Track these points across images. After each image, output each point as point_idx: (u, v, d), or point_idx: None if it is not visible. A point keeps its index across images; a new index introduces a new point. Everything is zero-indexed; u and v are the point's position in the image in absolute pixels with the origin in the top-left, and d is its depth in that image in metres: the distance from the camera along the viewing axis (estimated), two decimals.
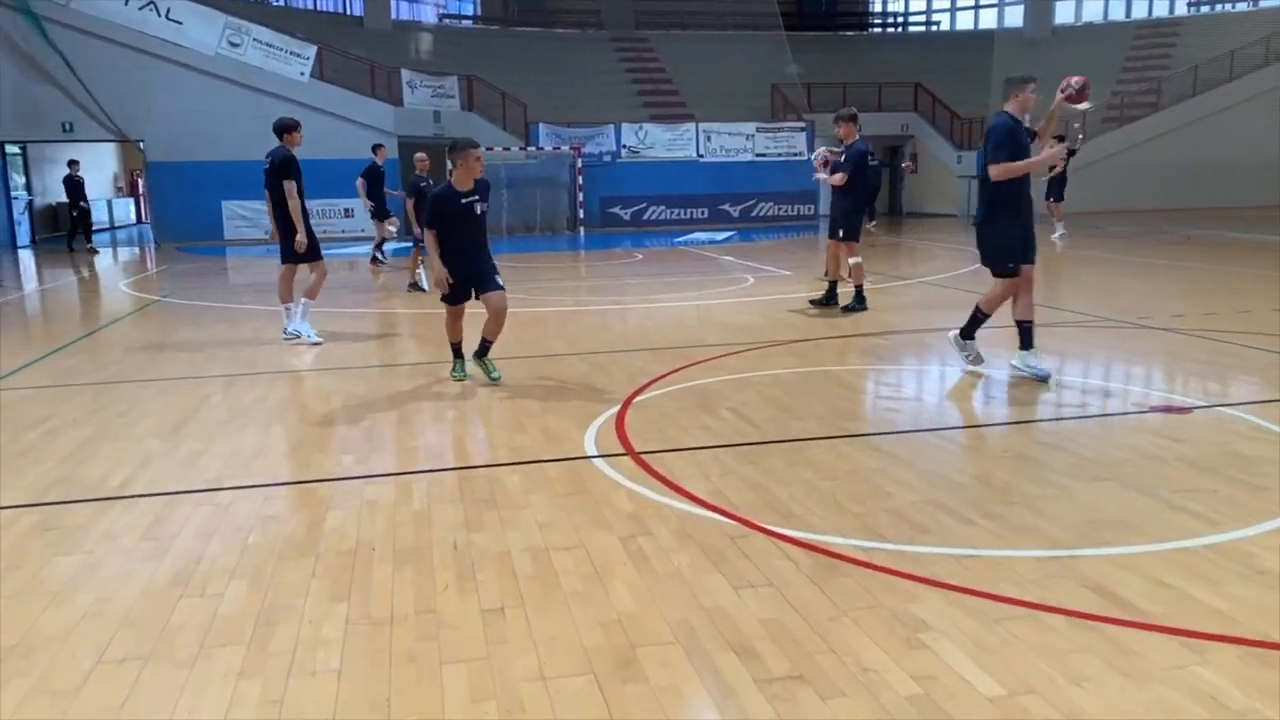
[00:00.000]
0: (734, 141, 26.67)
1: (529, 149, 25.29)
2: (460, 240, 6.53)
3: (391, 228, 15.89)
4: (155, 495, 4.57)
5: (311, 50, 23.77)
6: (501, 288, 6.70)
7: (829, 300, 10.11)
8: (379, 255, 15.99)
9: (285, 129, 8.51)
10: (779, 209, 27.25)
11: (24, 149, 25.91)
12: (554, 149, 25.32)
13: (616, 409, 5.99)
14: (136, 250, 23.88)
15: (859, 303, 9.91)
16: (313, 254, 8.67)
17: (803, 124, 27.50)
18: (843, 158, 9.62)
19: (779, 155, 27.05)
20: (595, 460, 4.94)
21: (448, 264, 6.51)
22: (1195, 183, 28.08)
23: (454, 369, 6.98)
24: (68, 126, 23.13)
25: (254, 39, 23.49)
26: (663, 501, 4.29)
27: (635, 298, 11.65)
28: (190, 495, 4.55)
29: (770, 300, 11.10)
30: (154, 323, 10.46)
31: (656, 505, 4.25)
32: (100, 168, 33.98)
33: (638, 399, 6.27)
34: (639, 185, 25.86)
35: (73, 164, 21.77)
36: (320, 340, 8.60)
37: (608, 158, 25.98)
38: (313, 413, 6.26)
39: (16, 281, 15.65)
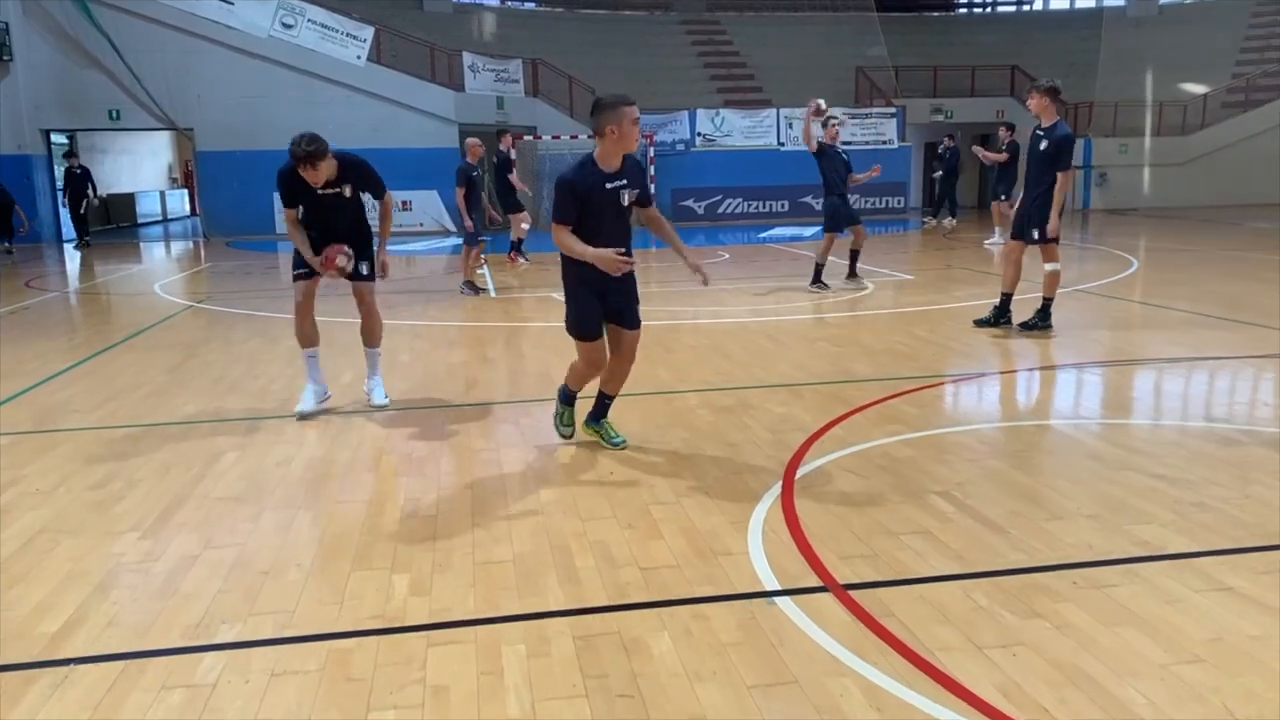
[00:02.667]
0: (818, 129, 24.59)
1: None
2: (605, 240, 4.58)
3: (525, 225, 14.09)
4: (104, 659, 2.92)
5: (369, 32, 22.31)
6: (640, 324, 4.88)
7: (1000, 317, 8.20)
8: (519, 253, 14.36)
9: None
10: (867, 202, 25.14)
11: (72, 138, 24.88)
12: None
13: (777, 490, 4.24)
14: (184, 245, 22.68)
15: (1043, 319, 7.99)
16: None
17: (893, 110, 25.40)
18: (1044, 142, 7.66)
19: (867, 143, 24.97)
20: (780, 600, 3.19)
21: (586, 282, 4.64)
22: None
23: (560, 417, 5.12)
24: (115, 114, 21.97)
25: (309, 20, 22.10)
26: (924, 706, 2.53)
27: (739, 308, 9.86)
28: (156, 660, 2.89)
29: (907, 313, 9.25)
30: (177, 338, 8.93)
31: (918, 714, 2.49)
32: (155, 157, 33.09)
33: (801, 470, 4.50)
34: (714, 176, 24.02)
35: (70, 156, 20.48)
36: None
37: (681, 146, 24.18)
38: (350, 492, 4.59)
39: (44, 282, 14.35)
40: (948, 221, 21.32)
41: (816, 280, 10.99)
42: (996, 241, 15.78)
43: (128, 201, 28.75)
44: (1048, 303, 8.01)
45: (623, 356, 4.86)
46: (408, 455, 4.97)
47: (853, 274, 11.53)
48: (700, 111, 24.44)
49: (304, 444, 5.23)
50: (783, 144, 24.61)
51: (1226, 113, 26.04)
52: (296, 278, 6.00)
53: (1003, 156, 15.27)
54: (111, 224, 27.44)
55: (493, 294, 11.35)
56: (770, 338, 8.26)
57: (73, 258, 18.17)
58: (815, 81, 28.33)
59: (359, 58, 22.16)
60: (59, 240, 20.28)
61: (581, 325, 4.76)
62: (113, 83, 21.54)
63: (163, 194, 32.07)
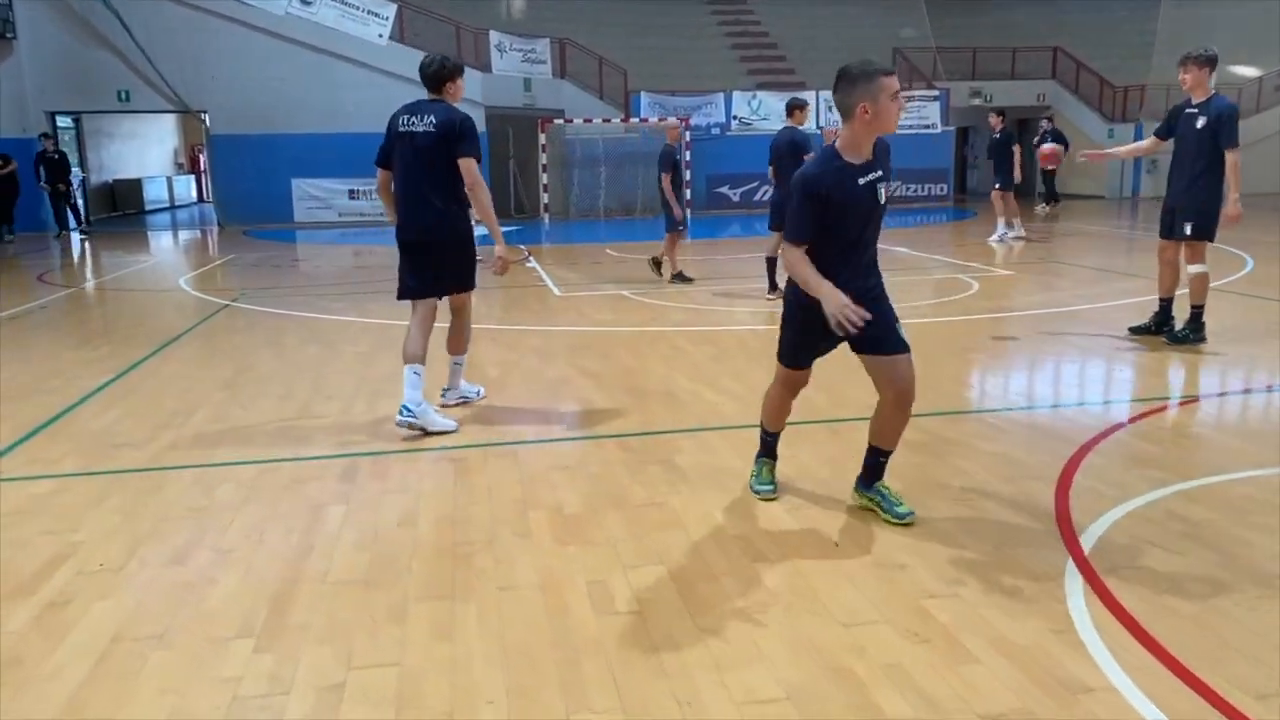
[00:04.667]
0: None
1: (631, 121, 22.50)
2: (857, 252, 3.62)
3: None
4: None
5: (391, 9, 21.17)
6: (909, 346, 3.72)
7: (1162, 324, 7.17)
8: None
9: None
10: (908, 188, 24.17)
11: (78, 121, 23.75)
12: (659, 120, 22.49)
13: (1071, 572, 3.23)
14: (198, 233, 21.60)
15: (1195, 330, 6.97)
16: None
17: (936, 92, 24.33)
18: (1200, 120, 6.62)
19: (909, 127, 23.88)
20: None
21: (813, 306, 3.52)
22: None
23: (756, 476, 4.09)
24: (124, 96, 20.86)
25: None
26: None
27: None
28: None
29: (1041, 316, 8.23)
30: (220, 344, 7.89)
31: None
32: (161, 142, 31.92)
33: (1083, 540, 3.50)
34: (750, 162, 22.72)
35: (46, 138, 19.31)
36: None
37: (716, 130, 23.11)
38: (510, 569, 3.57)
39: (55, 276, 13.30)
40: (1040, 209, 20.38)
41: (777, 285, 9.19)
42: (1004, 234, 14.66)
43: (134, 187, 27.64)
44: (1198, 311, 6.96)
45: (897, 392, 3.66)
46: (557, 510, 3.96)
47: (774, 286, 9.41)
48: (736, 94, 23.36)
49: (421, 493, 4.21)
50: (821, 127, 23.49)
51: (1279, 97, 25.00)
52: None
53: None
54: (118, 211, 26.35)
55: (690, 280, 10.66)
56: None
57: (80, 248, 17.08)
58: (850, 61, 27.23)
59: (381, 36, 21.05)
60: (62, 229, 19.18)
61: (796, 356, 3.89)
62: (122, 63, 20.43)
63: (169, 180, 30.94)
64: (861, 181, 3.49)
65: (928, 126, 23.95)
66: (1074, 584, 3.18)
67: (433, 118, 5.20)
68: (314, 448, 4.91)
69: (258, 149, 20.94)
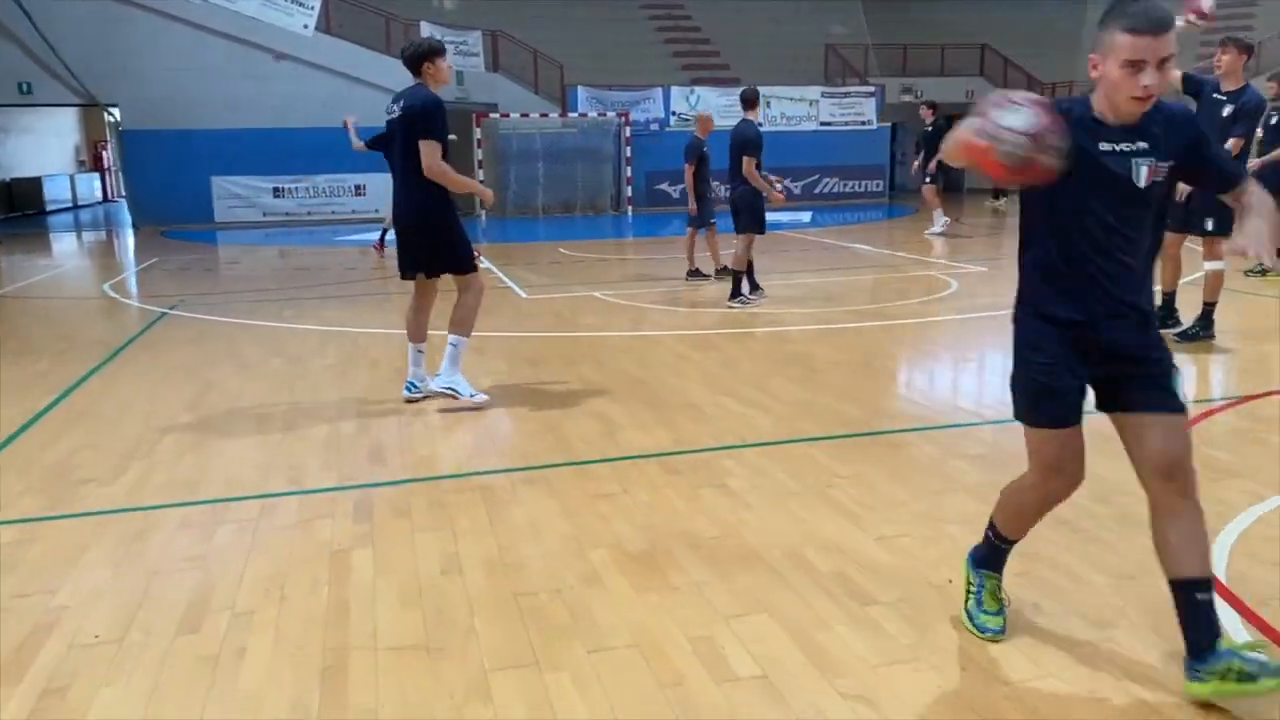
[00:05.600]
0: (796, 109, 23.48)
1: (568, 116, 21.95)
2: (1106, 257, 2.44)
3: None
4: None
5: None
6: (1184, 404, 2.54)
7: (1166, 319, 7.01)
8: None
9: None
10: (845, 185, 24.17)
11: None
12: (599, 115, 22.01)
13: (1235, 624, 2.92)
14: (109, 235, 20.36)
15: (1205, 327, 6.83)
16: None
17: (871, 89, 24.36)
18: (1226, 108, 6.46)
19: (846, 124, 23.92)
20: None
21: (1050, 320, 2.51)
22: None
23: (976, 601, 2.84)
24: (25, 88, 19.52)
25: None
26: None
27: (841, 309, 8.54)
28: None
29: None
30: (172, 358, 7.17)
31: None
32: (61, 137, 30.15)
33: (1222, 567, 3.19)
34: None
35: None
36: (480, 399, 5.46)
37: (655, 126, 22.71)
38: (590, 628, 3.10)
39: None
40: (989, 203, 20.48)
41: (740, 292, 8.75)
42: (937, 229, 14.55)
43: (34, 187, 26.00)
44: (1210, 308, 6.82)
45: (1162, 474, 2.45)
46: (620, 548, 3.50)
47: (736, 294, 8.86)
48: (675, 89, 23.01)
49: (454, 531, 3.70)
50: (761, 124, 23.29)
51: None
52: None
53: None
54: (16, 211, 24.73)
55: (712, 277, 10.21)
56: (913, 345, 6.95)
57: None
58: (784, 58, 27.24)
59: (306, 27, 20.10)
60: None
61: (1040, 405, 2.54)
62: (23, 53, 19.09)
63: (72, 178, 29.24)
64: (1107, 149, 2.36)
65: (864, 123, 23.97)
66: (1229, 620, 2.85)
67: (402, 103, 5.27)
68: (314, 478, 4.34)
69: (174, 145, 19.79)
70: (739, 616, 2.97)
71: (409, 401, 5.57)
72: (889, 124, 24.25)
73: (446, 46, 5.57)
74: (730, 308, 8.48)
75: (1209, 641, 2.40)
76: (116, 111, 20.80)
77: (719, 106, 23.25)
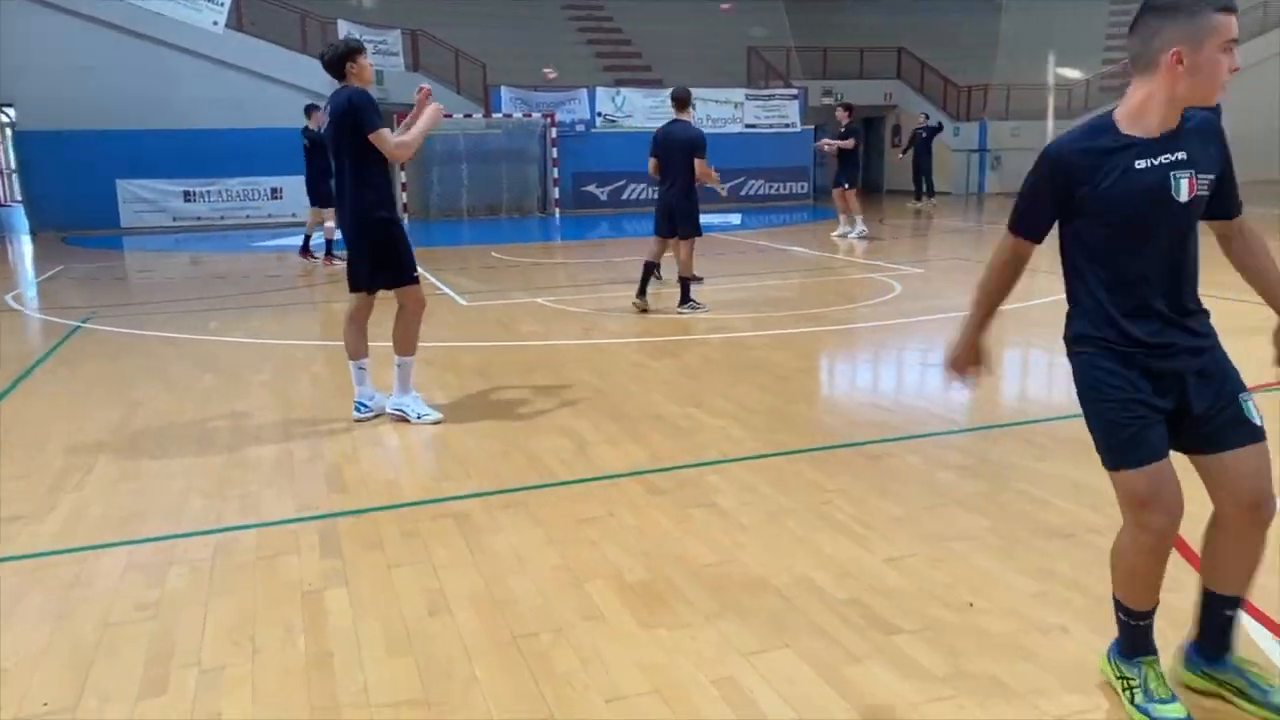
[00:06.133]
0: (721, 110, 23.47)
1: (492, 117, 21.56)
2: (1150, 281, 2.29)
3: (330, 222, 12.21)
4: None
5: None
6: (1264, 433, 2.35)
7: None
8: (332, 252, 12.42)
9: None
10: (771, 186, 24.27)
11: None
12: (523, 116, 21.66)
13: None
14: (2, 241, 19.22)
15: None
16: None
17: (794, 91, 24.52)
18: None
19: (770, 126, 24.02)
20: None
21: (1118, 357, 2.30)
22: None
23: (1144, 693, 2.40)
24: None
25: None
26: None
27: (791, 314, 8.44)
28: None
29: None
30: (91, 375, 6.69)
31: None
32: None
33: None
34: (617, 160, 22.34)
35: None
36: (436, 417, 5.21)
37: (581, 127, 22.46)
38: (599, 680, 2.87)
39: None
40: (927, 203, 20.69)
41: (690, 298, 8.41)
42: (845, 232, 14.57)
43: None
44: None
45: (1249, 507, 2.31)
46: (618, 579, 3.28)
47: (642, 294, 8.51)
48: (600, 90, 22.79)
49: (434, 564, 3.43)
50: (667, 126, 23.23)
51: (1105, 96, 26.57)
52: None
53: (850, 143, 14.12)
54: None
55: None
56: (872, 350, 6.86)
57: None
58: (707, 60, 27.28)
59: (216, 23, 19.27)
60: None
61: (1128, 443, 2.28)
62: None
63: None
64: (1143, 165, 2.20)
65: (787, 125, 24.10)
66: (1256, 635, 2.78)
67: (330, 107, 5.07)
68: (270, 507, 4.02)
69: (76, 146, 18.80)
70: (759, 653, 2.78)
71: (359, 421, 5.26)
72: (812, 126, 24.42)
73: (365, 45, 5.31)
74: (680, 314, 8.30)
75: (1221, 651, 2.46)
76: (11, 111, 19.68)
77: (645, 108, 23.19)
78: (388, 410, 5.27)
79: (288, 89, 19.83)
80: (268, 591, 3.25)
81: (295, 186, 19.94)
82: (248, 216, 20.03)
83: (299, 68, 19.99)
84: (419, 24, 22.66)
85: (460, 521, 3.82)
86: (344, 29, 20.56)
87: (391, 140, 4.95)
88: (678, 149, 8.21)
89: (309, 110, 12.29)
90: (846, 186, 14.50)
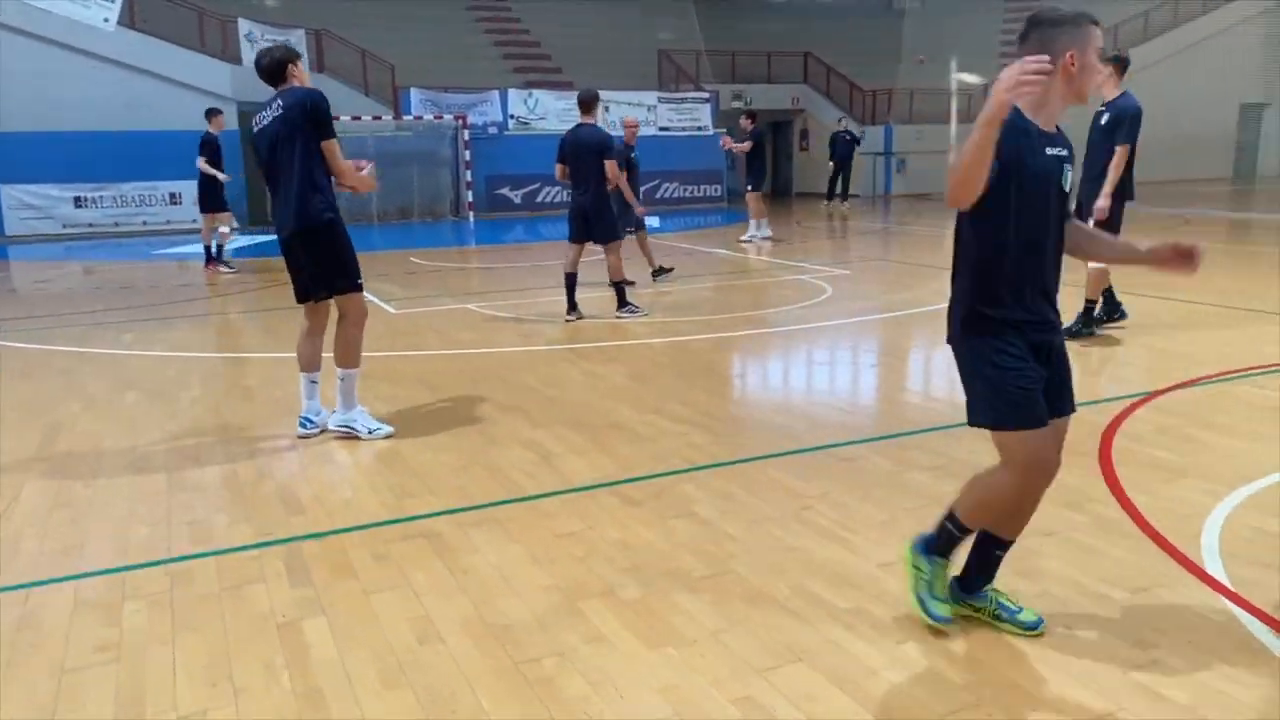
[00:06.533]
0: (635, 113, 23.33)
1: (402, 119, 21.09)
2: (1037, 261, 2.70)
3: (225, 227, 12.01)
4: None
5: None
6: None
7: (1112, 313, 7.30)
8: (222, 259, 12.34)
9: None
10: (685, 189, 24.38)
11: None
12: (434, 118, 21.26)
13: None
14: None
15: (1085, 324, 7.10)
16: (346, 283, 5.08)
17: (706, 95, 24.68)
18: (1104, 116, 6.72)
19: (683, 129, 24.13)
20: None
21: (1012, 325, 2.68)
22: None
23: (929, 582, 2.91)
24: None
25: None
26: None
27: (729, 317, 8.41)
28: None
29: (927, 315, 8.18)
30: (4, 399, 6.25)
31: None
32: None
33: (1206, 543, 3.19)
34: (531, 162, 22.03)
35: None
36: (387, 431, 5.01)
37: (494, 130, 22.17)
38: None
39: None
40: (839, 205, 20.92)
41: (628, 302, 8.36)
42: (754, 235, 14.63)
43: None
44: (1091, 305, 7.14)
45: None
46: (612, 596, 3.17)
47: (624, 306, 8.38)
48: (512, 92, 22.52)
49: (415, 588, 3.25)
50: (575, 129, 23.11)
51: None
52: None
53: (747, 146, 14.25)
54: None
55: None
56: (816, 352, 6.87)
57: None
58: (617, 63, 27.25)
59: (107, 21, 18.34)
60: None
61: (1025, 402, 2.62)
62: None
63: None
64: (1049, 152, 2.62)
65: (700, 128, 24.24)
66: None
67: (280, 102, 4.85)
68: (225, 533, 3.77)
69: None
70: (774, 669, 2.71)
71: (304, 437, 5.01)
72: (724, 129, 24.60)
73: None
74: (620, 319, 8.19)
75: (984, 585, 2.93)
76: None
77: (558, 110, 23.02)
78: (331, 427, 5.03)
79: (186, 90, 19.05)
80: (239, 625, 3.03)
81: (195, 191, 19.26)
82: (144, 223, 19.15)
83: (197, 68, 19.23)
84: (323, 24, 22.03)
85: (433, 541, 3.65)
86: (244, 28, 19.90)
87: (342, 159, 4.85)
88: (587, 153, 8.00)
89: (210, 114, 11.86)
90: (750, 189, 14.59)
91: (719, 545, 3.55)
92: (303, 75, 4.91)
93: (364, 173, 5.14)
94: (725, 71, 27.95)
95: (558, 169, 8.27)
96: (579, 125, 8.16)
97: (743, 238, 14.80)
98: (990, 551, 2.89)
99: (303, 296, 5.07)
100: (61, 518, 3.97)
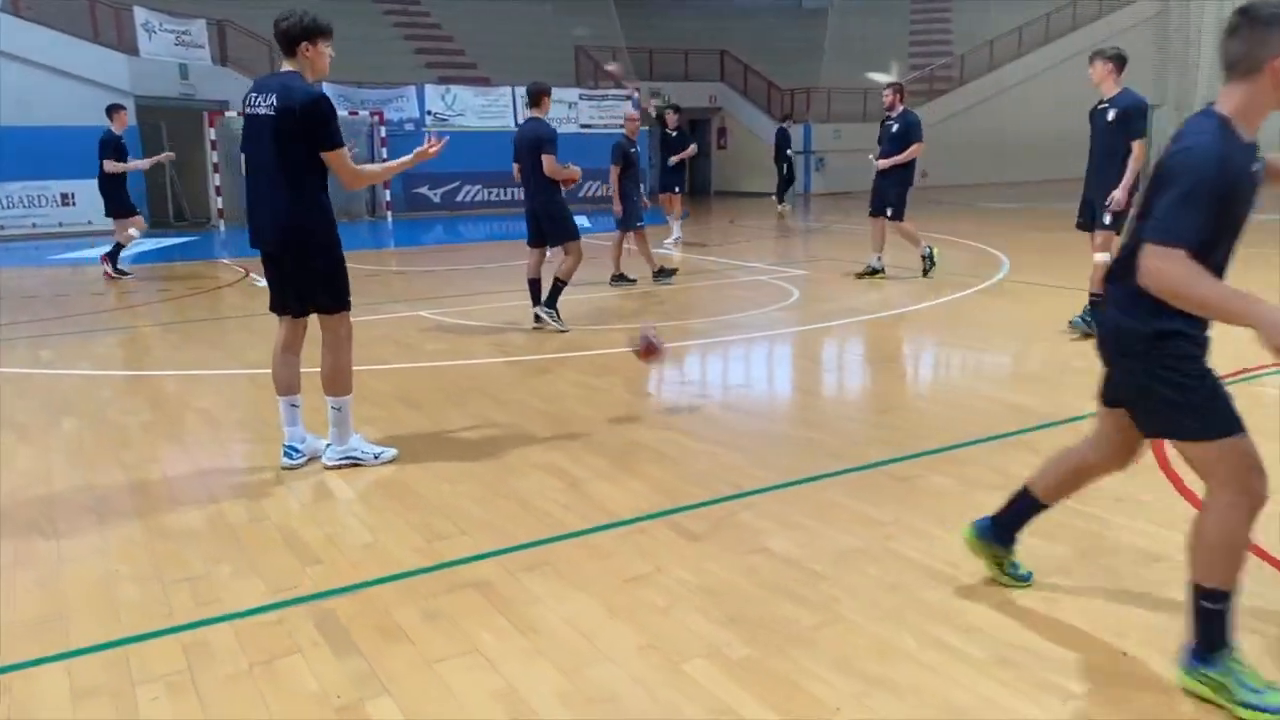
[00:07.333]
0: (555, 110, 22.66)
1: None
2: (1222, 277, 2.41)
3: (134, 230, 11.18)
4: None
5: None
6: None
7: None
8: (117, 266, 11.43)
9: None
10: (608, 189, 23.89)
11: None
12: (349, 114, 20.32)
13: None
14: None
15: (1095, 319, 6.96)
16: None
17: (628, 92, 24.30)
18: (1110, 112, 6.66)
19: (605, 127, 23.67)
20: None
21: (1255, 319, 2.19)
22: (999, 157, 28.22)
23: (1251, 693, 2.38)
24: None
25: None
26: None
27: (707, 322, 8.06)
28: None
29: (910, 315, 7.97)
30: None
31: None
32: None
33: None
34: (449, 160, 20.71)
35: None
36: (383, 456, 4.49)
37: (410, 126, 21.35)
38: None
39: None
40: (786, 206, 20.75)
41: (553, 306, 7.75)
42: (679, 236, 14.34)
43: None
44: (1097, 299, 7.02)
45: (1128, 458, 2.84)
46: (718, 655, 2.77)
47: (551, 305, 7.75)
48: (429, 87, 21.75)
49: (487, 653, 2.79)
50: (519, 125, 22.50)
51: (913, 101, 27.83)
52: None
53: (693, 150, 13.89)
54: None
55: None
56: (818, 359, 6.58)
57: None
58: (533, 59, 26.66)
59: None
60: None
61: (1229, 410, 2.42)
62: None
63: None
64: (1255, 169, 2.41)
65: (622, 125, 23.81)
66: None
67: (273, 98, 4.21)
68: (233, 592, 3.22)
69: None
70: None
71: (290, 468, 4.46)
72: (645, 127, 24.28)
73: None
74: (536, 314, 7.63)
75: (1015, 533, 3.11)
76: None
77: (477, 107, 22.38)
78: (327, 464, 4.47)
79: (76, 82, 17.77)
80: (289, 713, 2.53)
81: (90, 192, 17.91)
82: (34, 225, 17.77)
83: (89, 59, 17.93)
84: (225, 14, 20.87)
85: (485, 592, 3.19)
86: (140, 16, 18.67)
87: (351, 166, 4.31)
88: (526, 149, 7.53)
89: (112, 111, 10.98)
90: (676, 190, 14.19)
91: (813, 586, 3.18)
92: (319, 58, 4.30)
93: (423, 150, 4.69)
94: (643, 69, 27.67)
95: (514, 168, 7.79)
96: (525, 120, 7.69)
97: (669, 240, 14.37)
98: (1028, 510, 3.05)
99: (280, 309, 4.53)
100: (26, 580, 3.35)
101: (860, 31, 29.20)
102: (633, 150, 10.12)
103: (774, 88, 27.09)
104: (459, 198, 21.83)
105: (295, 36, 4.24)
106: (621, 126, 23.58)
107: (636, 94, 24.51)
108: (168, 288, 10.77)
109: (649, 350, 5.23)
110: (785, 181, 21.31)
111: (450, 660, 2.77)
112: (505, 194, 22.49)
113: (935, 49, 30.22)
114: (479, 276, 11.08)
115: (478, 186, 22.09)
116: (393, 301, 9.44)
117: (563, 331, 7.49)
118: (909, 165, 9.82)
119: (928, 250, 9.94)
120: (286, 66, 4.32)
